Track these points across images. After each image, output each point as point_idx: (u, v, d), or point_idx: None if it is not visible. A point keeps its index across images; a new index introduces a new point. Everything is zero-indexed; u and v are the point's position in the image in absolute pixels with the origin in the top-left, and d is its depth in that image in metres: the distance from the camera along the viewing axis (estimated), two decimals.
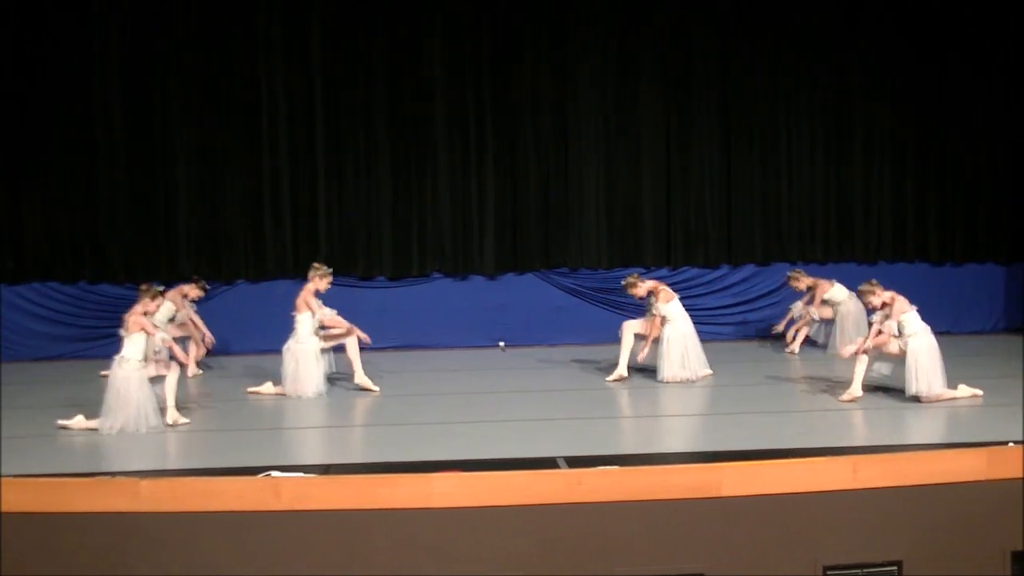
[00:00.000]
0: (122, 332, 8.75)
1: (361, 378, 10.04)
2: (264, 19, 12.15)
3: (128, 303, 9.49)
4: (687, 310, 10.50)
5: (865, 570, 6.19)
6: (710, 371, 10.43)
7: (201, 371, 11.07)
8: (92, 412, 8.65)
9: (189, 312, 11.06)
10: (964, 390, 9.24)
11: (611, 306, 12.48)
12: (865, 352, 9.26)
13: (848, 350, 9.51)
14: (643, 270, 12.23)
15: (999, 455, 6.48)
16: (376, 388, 10.02)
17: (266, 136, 12.25)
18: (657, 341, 10.25)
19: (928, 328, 9.19)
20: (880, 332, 9.22)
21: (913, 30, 12.64)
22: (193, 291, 11.19)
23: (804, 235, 12.88)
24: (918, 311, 9.23)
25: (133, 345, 8.65)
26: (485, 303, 12.63)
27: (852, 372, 9.31)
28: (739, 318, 12.83)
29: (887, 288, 9.45)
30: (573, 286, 12.79)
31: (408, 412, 9.35)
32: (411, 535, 6.03)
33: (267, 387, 10.00)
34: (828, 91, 12.78)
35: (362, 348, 10.14)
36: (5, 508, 5.96)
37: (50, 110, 11.91)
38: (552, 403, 9.63)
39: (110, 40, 11.96)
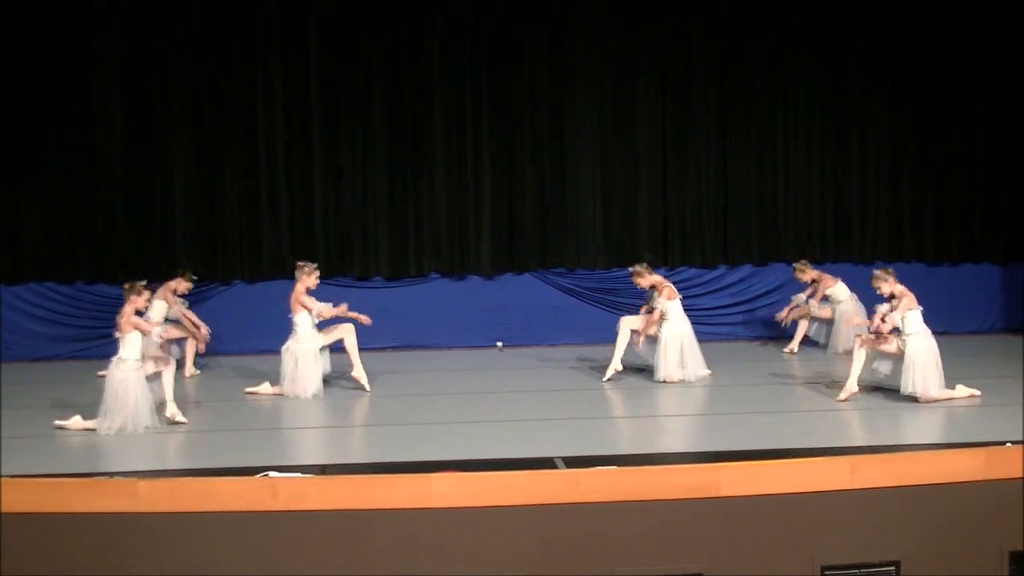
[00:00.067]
0: (116, 334, 8.74)
1: (359, 372, 10.03)
2: (263, 19, 12.14)
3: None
4: (685, 310, 10.50)
5: (863, 570, 6.20)
6: (708, 371, 10.43)
7: (199, 371, 11.05)
8: (90, 412, 8.65)
9: (181, 308, 10.97)
10: (962, 390, 9.25)
11: (608, 306, 12.48)
12: (868, 340, 9.23)
13: (856, 321, 9.48)
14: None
15: (997, 455, 6.49)
16: (368, 388, 10.01)
17: (263, 136, 12.23)
18: (655, 339, 10.26)
19: (928, 331, 9.19)
20: (883, 320, 9.19)
21: (912, 30, 12.65)
22: (181, 285, 10.92)
23: (801, 235, 12.88)
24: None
25: (129, 345, 8.64)
26: (483, 303, 12.62)
27: (849, 368, 9.32)
28: (736, 318, 12.83)
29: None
30: (570, 286, 12.80)
31: (407, 412, 9.35)
32: (410, 535, 6.03)
33: (265, 387, 10.00)
34: (826, 91, 12.78)
35: (362, 349, 10.14)
36: (3, 508, 5.95)
37: (49, 110, 11.89)
38: (551, 403, 9.63)
39: (110, 40, 11.94)
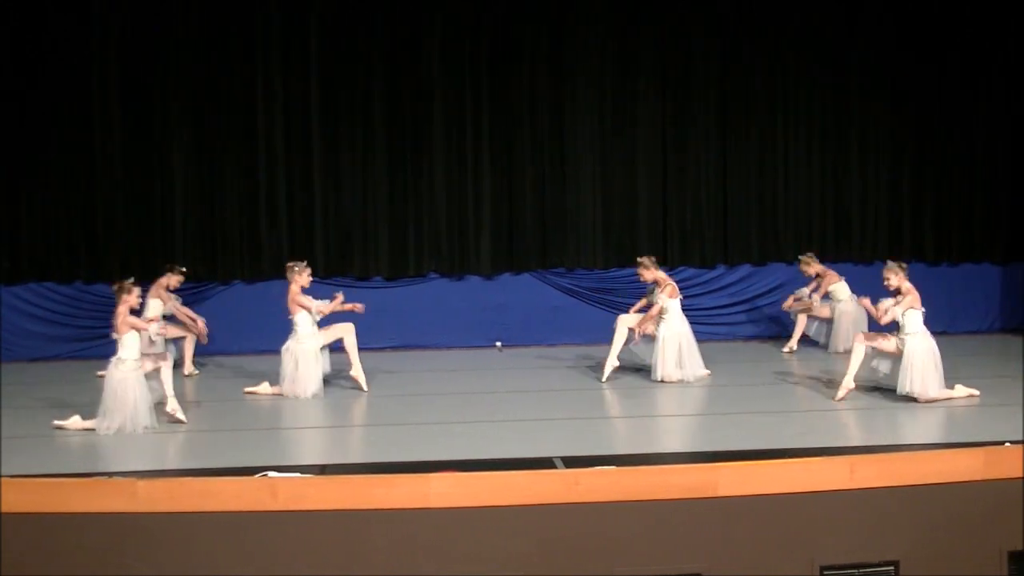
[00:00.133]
0: (114, 335, 8.73)
1: (357, 371, 10.04)
2: (263, 19, 12.14)
3: None
4: (684, 310, 10.50)
5: (862, 570, 6.20)
6: (707, 371, 10.44)
7: (198, 371, 11.04)
8: (89, 412, 8.65)
9: (175, 304, 10.94)
10: (961, 390, 9.25)
11: (608, 306, 12.47)
12: (868, 337, 9.24)
13: (865, 301, 9.51)
14: None
15: (996, 455, 6.49)
16: (366, 388, 10.01)
17: (263, 136, 12.24)
18: (652, 338, 10.25)
19: (928, 332, 9.19)
20: (886, 312, 9.18)
21: (912, 30, 12.65)
22: (172, 280, 10.84)
23: (801, 235, 12.87)
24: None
25: (127, 346, 8.64)
26: (483, 303, 12.63)
27: (848, 364, 9.33)
28: (736, 318, 12.84)
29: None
30: (570, 286, 12.80)
31: (406, 412, 9.35)
32: (409, 535, 6.03)
33: (264, 387, 10.00)
34: (826, 91, 12.79)
35: (362, 348, 10.14)
36: (3, 508, 5.95)
37: (49, 110, 11.90)
38: (550, 403, 9.63)
39: (109, 40, 11.94)
